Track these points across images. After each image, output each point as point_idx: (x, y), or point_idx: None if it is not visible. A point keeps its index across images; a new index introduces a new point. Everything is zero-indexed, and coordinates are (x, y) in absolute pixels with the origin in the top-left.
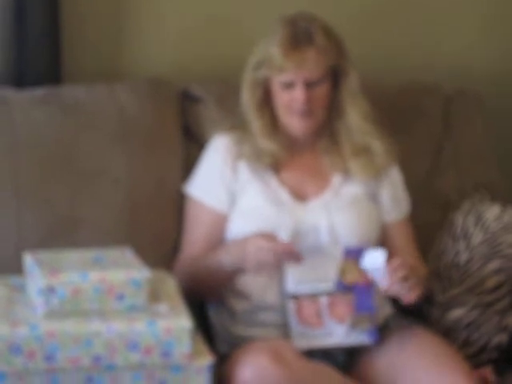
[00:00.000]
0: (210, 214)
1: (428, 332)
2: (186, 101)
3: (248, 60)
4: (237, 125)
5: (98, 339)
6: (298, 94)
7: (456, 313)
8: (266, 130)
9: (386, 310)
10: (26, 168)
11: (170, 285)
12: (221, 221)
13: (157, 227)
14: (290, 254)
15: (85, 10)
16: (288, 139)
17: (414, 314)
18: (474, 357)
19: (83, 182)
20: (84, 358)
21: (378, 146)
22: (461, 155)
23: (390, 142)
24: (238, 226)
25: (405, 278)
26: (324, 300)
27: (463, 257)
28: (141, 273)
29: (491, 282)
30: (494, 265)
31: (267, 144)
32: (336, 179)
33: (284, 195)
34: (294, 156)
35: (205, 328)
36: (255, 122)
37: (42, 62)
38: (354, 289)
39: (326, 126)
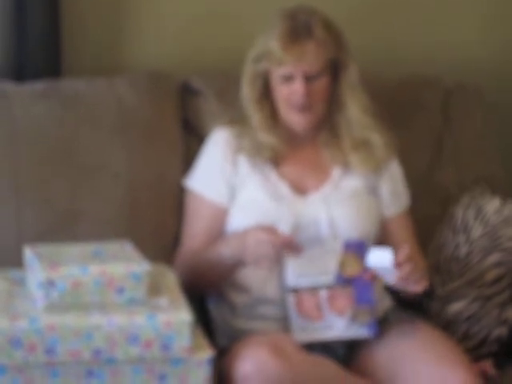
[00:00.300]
0: (210, 207)
1: (428, 325)
2: (186, 94)
3: (248, 53)
4: (236, 118)
5: (98, 332)
6: (298, 88)
7: (456, 306)
8: (265, 124)
9: (386, 303)
10: (25, 162)
11: (170, 278)
12: (221, 214)
13: (156, 220)
14: (290, 246)
15: (85, 4)
16: (288, 133)
17: (414, 308)
18: (473, 350)
19: (83, 175)
20: (84, 352)
21: (377, 139)
22: (461, 149)
23: (389, 136)
24: (238, 220)
25: (412, 272)
26: (324, 293)
27: (463, 250)
28: (141, 266)
29: (491, 275)
30: (493, 258)
31: (267, 137)
32: (336, 172)
33: (284, 189)
34: (293, 149)
35: (205, 321)
36: (255, 116)
37: (41, 56)
38: (353, 282)
39: (326, 119)
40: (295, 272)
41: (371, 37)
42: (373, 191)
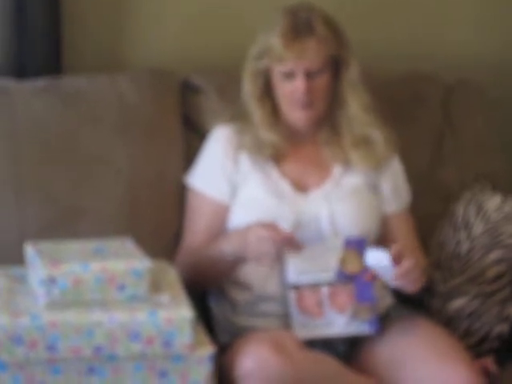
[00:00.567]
0: (211, 204)
1: (429, 322)
2: (187, 91)
3: (249, 50)
4: (237, 115)
5: (100, 329)
6: (299, 84)
7: (457, 303)
8: (266, 121)
9: (387, 300)
10: (26, 159)
11: (171, 275)
12: (222, 212)
13: (157, 217)
14: (291, 243)
15: (85, 1)
16: (289, 130)
17: (415, 304)
18: (475, 347)
19: (84, 172)
20: (85, 349)
21: (378, 136)
22: (462, 145)
23: (390, 133)
24: (239, 217)
25: (412, 269)
26: (325, 290)
27: (464, 247)
28: (142, 263)
29: (492, 272)
30: (494, 255)
31: (268, 135)
32: (337, 170)
33: (285, 186)
34: (294, 147)
35: (206, 318)
36: (256, 113)
37: (42, 53)
38: (354, 279)
39: (327, 116)
40: (296, 269)
41: (372, 32)
42: (373, 188)
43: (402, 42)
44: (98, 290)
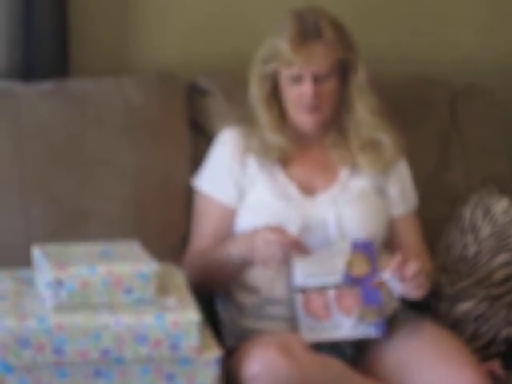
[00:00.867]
0: (219, 208)
1: (435, 325)
2: (194, 94)
3: (256, 53)
4: (245, 118)
5: (107, 332)
6: (307, 88)
7: (464, 306)
8: (274, 124)
9: (394, 303)
10: (33, 161)
11: (178, 278)
12: (229, 215)
13: (164, 220)
14: (298, 246)
15: (92, 4)
16: (296, 133)
17: (422, 307)
18: (482, 350)
19: (90, 174)
20: (92, 351)
21: (385, 140)
22: (469, 149)
23: (397, 136)
24: (247, 221)
25: (414, 278)
26: (332, 293)
27: (471, 250)
28: (149, 266)
29: (499, 275)
30: (502, 258)
31: (275, 138)
32: (344, 173)
33: (292, 190)
34: (301, 150)
35: (213, 321)
36: (263, 116)
37: (49, 56)
38: (361, 282)
39: (335, 120)
40: (303, 272)
41: (378, 36)
42: (381, 192)
43: (409, 46)
44: (105, 292)
